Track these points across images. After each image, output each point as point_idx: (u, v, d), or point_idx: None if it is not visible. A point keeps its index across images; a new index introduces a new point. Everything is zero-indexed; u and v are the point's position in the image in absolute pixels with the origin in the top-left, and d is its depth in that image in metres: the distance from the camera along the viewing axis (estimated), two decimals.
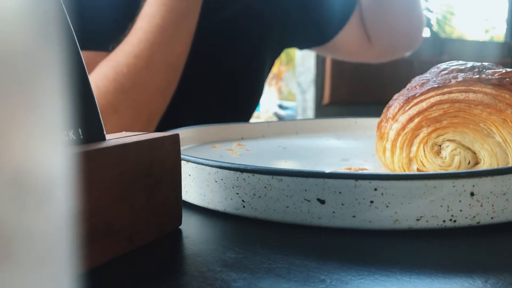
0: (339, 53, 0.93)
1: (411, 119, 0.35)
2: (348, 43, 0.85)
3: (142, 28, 0.57)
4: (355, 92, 2.24)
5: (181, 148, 0.37)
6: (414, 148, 0.34)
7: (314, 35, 0.85)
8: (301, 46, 0.93)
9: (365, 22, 0.83)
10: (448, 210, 0.26)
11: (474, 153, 0.33)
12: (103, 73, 0.56)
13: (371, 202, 0.26)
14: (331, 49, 0.89)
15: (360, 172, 0.27)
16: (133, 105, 0.57)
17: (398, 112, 0.36)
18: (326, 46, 0.86)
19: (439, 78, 0.36)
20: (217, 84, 0.76)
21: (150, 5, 0.58)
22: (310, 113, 2.28)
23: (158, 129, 0.61)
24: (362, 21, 0.84)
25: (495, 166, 0.32)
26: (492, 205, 0.26)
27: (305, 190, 0.26)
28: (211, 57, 0.73)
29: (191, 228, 0.28)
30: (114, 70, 0.56)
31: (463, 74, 0.35)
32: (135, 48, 0.57)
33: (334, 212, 0.26)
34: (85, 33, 0.58)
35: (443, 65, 0.38)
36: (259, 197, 0.28)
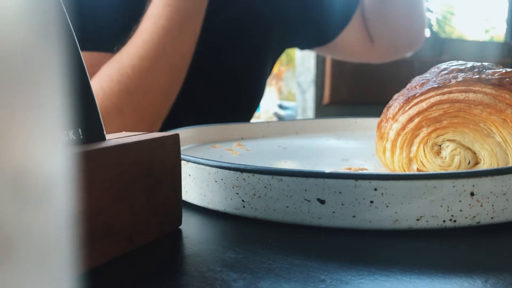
0: (341, 53, 0.93)
1: (411, 119, 0.35)
2: (350, 44, 0.85)
3: (148, 29, 0.57)
4: (355, 92, 2.23)
5: (181, 148, 0.37)
6: (414, 148, 0.34)
7: (315, 35, 0.85)
8: (302, 46, 0.93)
9: (367, 23, 0.83)
10: (448, 210, 0.26)
11: (474, 153, 0.33)
12: (108, 75, 0.56)
13: (371, 202, 0.26)
14: (332, 50, 0.88)
15: (360, 172, 0.27)
16: (137, 107, 0.57)
17: (398, 112, 0.36)
18: (328, 47, 0.86)
19: (439, 78, 0.36)
20: (219, 85, 0.76)
21: (155, 6, 0.58)
22: (310, 113, 2.28)
23: (159, 129, 0.61)
24: (364, 21, 0.83)
25: (495, 166, 0.32)
26: (492, 205, 0.26)
27: (305, 190, 0.26)
28: (213, 57, 0.73)
29: (191, 228, 0.28)
30: (119, 72, 0.56)
31: (463, 74, 0.35)
32: (140, 49, 0.56)
33: (334, 212, 0.26)
34: (85, 33, 0.58)
35: (443, 65, 0.38)
36: (259, 197, 0.28)
